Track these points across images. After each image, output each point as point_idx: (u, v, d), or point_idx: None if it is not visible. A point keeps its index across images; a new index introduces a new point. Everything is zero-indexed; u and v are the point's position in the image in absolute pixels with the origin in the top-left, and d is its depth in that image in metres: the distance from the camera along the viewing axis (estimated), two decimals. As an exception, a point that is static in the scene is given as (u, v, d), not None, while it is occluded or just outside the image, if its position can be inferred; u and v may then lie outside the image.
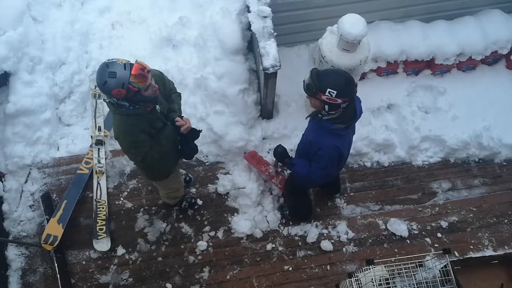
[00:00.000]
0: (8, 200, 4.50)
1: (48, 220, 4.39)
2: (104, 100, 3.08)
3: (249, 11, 4.18)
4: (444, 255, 3.28)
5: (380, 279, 3.43)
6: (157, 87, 3.10)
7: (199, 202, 4.66)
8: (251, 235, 4.52)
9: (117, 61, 2.89)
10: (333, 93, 3.00)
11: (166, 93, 3.39)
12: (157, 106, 3.22)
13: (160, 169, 3.63)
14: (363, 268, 3.55)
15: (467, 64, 5.18)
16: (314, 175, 3.51)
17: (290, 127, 4.85)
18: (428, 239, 4.54)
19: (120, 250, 4.41)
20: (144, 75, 2.91)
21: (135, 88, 2.90)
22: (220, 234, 4.53)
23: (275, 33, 4.05)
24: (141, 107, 3.08)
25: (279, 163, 4.30)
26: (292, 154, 3.96)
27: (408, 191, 4.82)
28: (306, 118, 3.51)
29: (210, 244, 4.48)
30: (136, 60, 2.95)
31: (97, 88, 4.95)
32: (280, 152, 3.84)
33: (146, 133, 3.23)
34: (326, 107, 3.11)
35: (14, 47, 4.64)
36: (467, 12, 5.08)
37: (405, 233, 4.53)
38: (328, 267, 4.42)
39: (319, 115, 3.25)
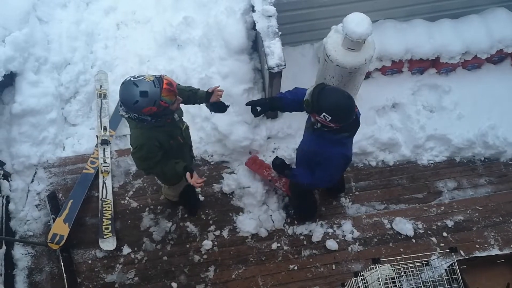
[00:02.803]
0: (15, 200, 4.52)
1: (54, 220, 4.41)
2: (122, 115, 3.07)
3: (253, 11, 4.18)
4: (450, 254, 3.28)
5: (386, 278, 3.43)
6: (181, 99, 3.13)
7: (201, 198, 4.66)
8: (256, 234, 4.53)
9: (145, 78, 2.86)
10: (328, 118, 2.99)
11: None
12: (175, 115, 3.25)
13: (171, 178, 3.65)
14: (369, 267, 3.55)
15: (472, 63, 5.16)
16: (318, 182, 3.52)
17: (295, 127, 4.85)
18: (433, 238, 4.53)
19: (126, 249, 4.43)
20: (173, 90, 2.93)
21: (166, 104, 2.92)
22: (225, 233, 4.53)
23: (280, 33, 4.05)
24: (162, 119, 3.09)
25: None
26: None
27: (413, 190, 4.81)
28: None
29: (215, 243, 4.48)
30: (163, 76, 2.95)
31: (102, 88, 4.98)
32: (279, 165, 3.83)
33: (162, 150, 3.25)
34: (319, 124, 3.12)
35: (20, 48, 4.66)
36: (472, 10, 5.06)
37: (410, 232, 4.52)
38: (333, 266, 4.42)
39: (315, 127, 3.23)
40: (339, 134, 3.18)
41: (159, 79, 2.90)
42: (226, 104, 3.65)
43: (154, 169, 3.34)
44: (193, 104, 3.61)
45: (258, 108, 3.62)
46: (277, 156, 3.95)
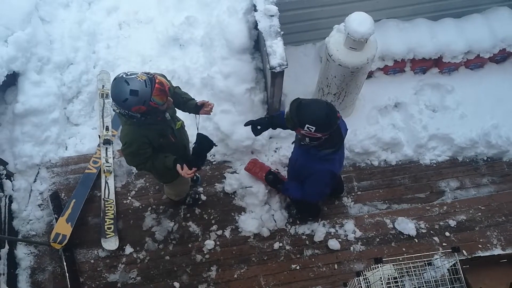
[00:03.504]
0: (17, 199, 4.53)
1: (56, 219, 4.42)
2: (114, 110, 3.07)
3: (255, 10, 4.17)
4: (452, 254, 3.27)
5: (388, 278, 3.42)
6: (172, 100, 3.12)
7: (203, 197, 4.67)
8: (258, 234, 4.52)
9: (137, 77, 2.84)
10: (312, 128, 2.96)
11: (171, 94, 3.40)
12: (167, 114, 3.23)
13: (163, 173, 3.64)
14: (371, 267, 3.54)
15: (475, 62, 5.15)
16: (308, 197, 3.52)
17: (297, 126, 4.84)
18: (436, 238, 4.52)
19: (128, 249, 4.43)
20: (165, 91, 2.92)
21: (156, 105, 2.91)
22: (227, 233, 4.54)
23: (282, 32, 4.05)
24: (152, 117, 3.08)
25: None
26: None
27: (415, 190, 4.80)
28: (292, 143, 3.47)
29: (218, 243, 4.49)
30: (155, 76, 2.94)
31: (104, 88, 4.98)
32: (271, 179, 3.83)
33: (152, 146, 3.26)
34: (307, 139, 3.09)
35: (22, 48, 4.68)
36: (475, 9, 5.06)
37: (413, 232, 4.52)
38: (336, 266, 4.42)
39: (302, 143, 3.21)
40: (323, 150, 3.18)
41: (151, 79, 2.88)
42: (214, 142, 3.53)
43: (145, 164, 3.33)
44: (182, 111, 3.59)
45: (259, 127, 3.61)
46: (270, 170, 3.96)
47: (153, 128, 3.18)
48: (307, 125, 2.96)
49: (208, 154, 4.79)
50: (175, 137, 3.42)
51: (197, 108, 3.51)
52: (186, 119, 3.72)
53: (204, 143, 3.49)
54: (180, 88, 3.59)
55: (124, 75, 2.87)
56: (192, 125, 3.69)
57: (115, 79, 2.90)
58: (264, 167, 4.63)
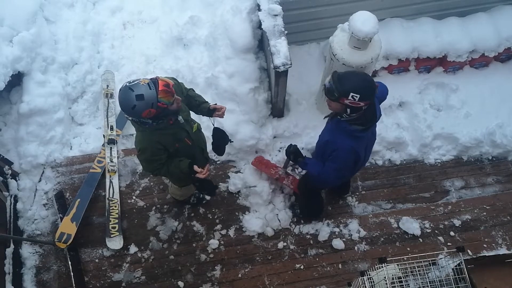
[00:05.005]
0: (23, 199, 4.55)
1: (61, 219, 4.44)
2: (127, 117, 3.08)
3: (259, 10, 4.18)
4: (457, 253, 3.26)
5: (392, 278, 3.41)
6: (180, 99, 3.11)
7: (207, 197, 4.67)
8: (263, 234, 4.53)
9: (139, 82, 2.87)
10: (356, 97, 2.95)
11: (184, 97, 3.41)
12: (179, 117, 3.23)
13: (179, 177, 3.64)
14: (376, 267, 3.53)
15: (479, 61, 5.13)
16: (326, 175, 3.46)
17: (301, 126, 4.85)
18: (441, 238, 4.51)
19: (133, 248, 4.44)
20: (170, 91, 2.92)
21: (164, 105, 2.91)
22: (231, 232, 4.54)
23: (286, 31, 4.05)
24: (163, 121, 3.08)
25: (290, 162, 4.27)
26: (304, 152, 3.93)
27: (420, 189, 4.79)
28: (324, 118, 3.46)
29: (222, 242, 4.49)
30: (158, 77, 2.95)
31: (109, 88, 5.00)
32: (292, 151, 3.79)
33: (167, 152, 3.26)
34: (348, 110, 3.06)
35: (27, 48, 4.69)
36: (480, 8, 5.04)
37: (417, 232, 4.51)
38: (340, 265, 4.41)
39: (338, 117, 3.20)
40: (353, 125, 3.16)
41: (154, 81, 2.90)
42: (230, 138, 3.78)
43: (161, 170, 3.34)
44: (196, 113, 3.61)
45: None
46: (291, 144, 3.88)
47: (166, 132, 3.18)
48: (351, 94, 2.94)
49: (212, 154, 4.81)
50: (191, 140, 3.40)
51: (210, 111, 3.56)
52: (196, 118, 3.71)
53: (222, 138, 3.72)
54: (193, 90, 3.60)
55: (127, 84, 2.90)
56: (206, 128, 3.73)
57: (120, 90, 2.92)
58: (269, 165, 4.64)
